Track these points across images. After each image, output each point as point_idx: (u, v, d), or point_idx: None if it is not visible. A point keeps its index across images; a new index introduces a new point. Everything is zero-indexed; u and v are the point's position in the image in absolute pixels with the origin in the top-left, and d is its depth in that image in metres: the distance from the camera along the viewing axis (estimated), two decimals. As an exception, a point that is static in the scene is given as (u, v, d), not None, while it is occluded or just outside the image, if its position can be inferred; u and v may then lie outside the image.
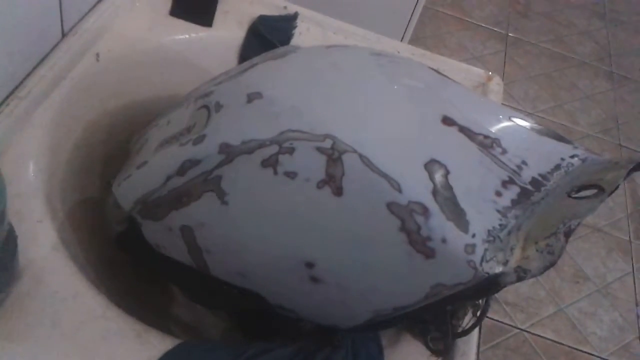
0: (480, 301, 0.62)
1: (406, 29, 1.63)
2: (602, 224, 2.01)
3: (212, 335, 0.80)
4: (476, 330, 0.62)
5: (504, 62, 2.51)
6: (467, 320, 0.63)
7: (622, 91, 2.56)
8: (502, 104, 2.34)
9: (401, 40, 1.64)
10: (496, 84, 0.93)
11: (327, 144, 0.53)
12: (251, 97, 0.58)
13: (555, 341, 1.67)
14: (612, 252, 1.94)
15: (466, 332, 0.60)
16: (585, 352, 1.67)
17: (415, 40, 2.39)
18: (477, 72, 0.95)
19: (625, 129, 2.39)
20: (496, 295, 1.74)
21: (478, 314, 0.62)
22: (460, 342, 0.62)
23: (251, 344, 0.58)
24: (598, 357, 1.67)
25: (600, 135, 2.33)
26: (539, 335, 1.67)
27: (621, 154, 2.28)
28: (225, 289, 0.61)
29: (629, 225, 2.03)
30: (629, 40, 2.87)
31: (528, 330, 1.68)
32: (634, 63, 2.73)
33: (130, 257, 0.70)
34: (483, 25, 2.65)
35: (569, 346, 1.67)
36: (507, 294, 1.74)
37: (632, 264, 1.92)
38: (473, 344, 0.63)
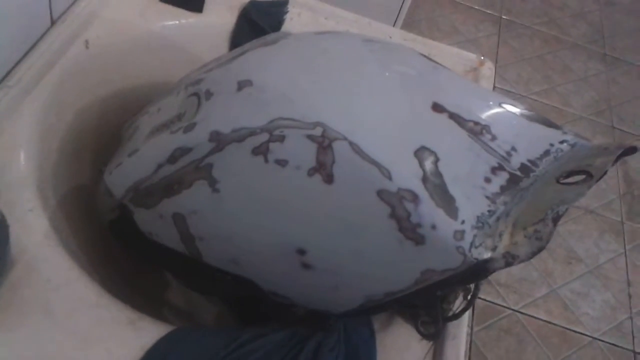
0: (471, 285, 0.62)
1: (399, 12, 1.62)
2: (595, 206, 2.02)
3: (206, 321, 0.81)
4: (467, 313, 0.63)
5: (498, 45, 2.50)
6: (458, 304, 0.64)
7: (615, 73, 2.56)
8: (495, 86, 2.32)
9: (394, 24, 1.63)
10: (488, 69, 0.93)
11: (318, 131, 0.53)
12: (241, 85, 0.58)
13: (547, 322, 1.69)
14: (604, 234, 1.95)
15: (456, 316, 0.60)
16: (577, 332, 1.69)
17: (408, 24, 2.38)
18: (469, 56, 0.95)
19: (619, 110, 2.39)
20: (489, 277, 1.75)
21: (469, 298, 0.62)
22: (450, 325, 0.63)
23: (245, 330, 0.59)
24: (590, 337, 1.68)
25: (593, 117, 2.33)
26: (531, 316, 1.69)
27: (614, 136, 2.29)
28: (219, 275, 0.61)
29: (621, 207, 2.04)
30: (623, 21, 2.86)
31: (521, 311, 1.69)
32: (628, 45, 2.73)
33: (123, 244, 0.70)
34: (476, 7, 2.63)
35: (561, 326, 1.69)
36: (499, 275, 1.75)
37: (624, 245, 1.94)
38: (464, 328, 0.63)
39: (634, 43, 2.75)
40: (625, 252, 1.92)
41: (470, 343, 1.59)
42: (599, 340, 1.68)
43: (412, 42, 0.94)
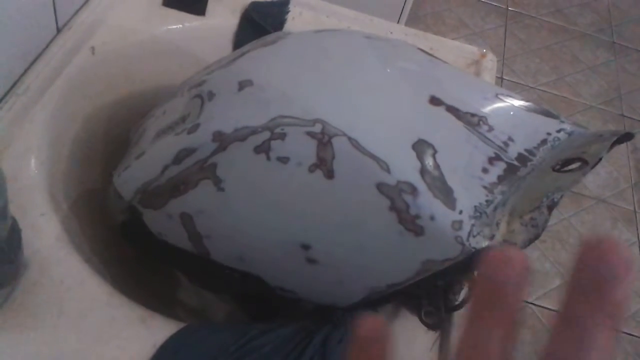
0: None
1: (403, 7, 1.63)
2: (607, 195, 2.01)
3: (218, 318, 0.82)
4: (472, 303, 0.64)
5: (505, 37, 2.50)
6: (465, 294, 0.65)
7: (624, 61, 2.54)
8: (503, 79, 2.31)
9: (399, 19, 1.64)
10: (490, 61, 0.93)
11: (317, 128, 0.54)
12: (242, 85, 0.59)
13: (562, 313, 1.68)
14: (617, 223, 1.95)
15: (460, 305, 0.61)
16: (592, 322, 1.68)
17: (414, 19, 2.38)
18: (471, 49, 0.95)
19: (628, 99, 2.38)
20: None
21: (473, 288, 0.63)
22: (457, 315, 0.64)
23: (253, 325, 0.60)
24: (605, 327, 1.68)
25: (603, 106, 2.32)
26: (545, 308, 1.69)
27: (624, 124, 2.27)
28: (227, 273, 0.62)
29: (633, 196, 2.03)
30: (630, 9, 2.84)
31: (535, 303, 1.69)
32: (636, 32, 2.71)
33: (134, 245, 0.71)
34: (482, 0, 2.63)
35: (575, 317, 1.68)
36: (512, 268, 1.75)
37: (638, 234, 1.93)
38: (470, 318, 0.64)
39: (643, 30, 2.73)
40: (639, 240, 1.91)
41: (485, 336, 1.59)
42: (614, 329, 1.68)
43: (413, 37, 0.95)
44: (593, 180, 2.04)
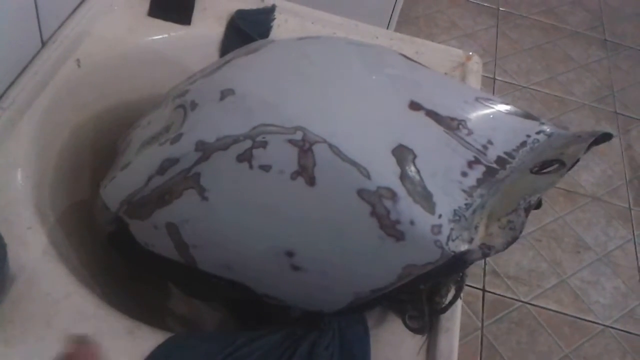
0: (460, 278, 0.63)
1: (393, 10, 1.63)
2: (601, 193, 2.02)
3: (209, 327, 0.82)
4: (459, 306, 0.64)
5: (496, 37, 2.50)
6: (451, 297, 0.65)
7: (616, 58, 2.55)
8: (496, 79, 2.31)
9: (389, 22, 1.64)
10: (475, 63, 0.94)
11: (298, 135, 0.54)
12: (224, 94, 0.60)
13: (558, 312, 1.69)
14: (612, 221, 1.95)
15: (444, 309, 0.61)
16: (589, 320, 1.69)
17: (406, 21, 2.39)
18: (456, 52, 0.96)
19: (621, 96, 2.39)
20: (497, 269, 1.76)
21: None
22: (443, 319, 0.64)
23: (241, 333, 0.60)
24: (602, 325, 1.68)
25: (596, 104, 2.32)
26: (542, 307, 1.69)
27: (617, 122, 2.28)
28: (214, 281, 0.62)
29: (627, 193, 2.04)
30: (621, 6, 2.85)
31: (531, 302, 1.69)
32: (628, 29, 2.72)
33: (122, 256, 0.72)
34: (473, 1, 2.64)
35: (572, 316, 1.69)
36: (508, 268, 1.76)
37: (633, 231, 1.93)
38: (456, 320, 0.64)
39: (634, 27, 2.74)
40: (634, 238, 1.91)
41: (482, 337, 1.59)
42: (611, 328, 1.68)
43: (399, 41, 0.95)
44: (587, 178, 2.04)
